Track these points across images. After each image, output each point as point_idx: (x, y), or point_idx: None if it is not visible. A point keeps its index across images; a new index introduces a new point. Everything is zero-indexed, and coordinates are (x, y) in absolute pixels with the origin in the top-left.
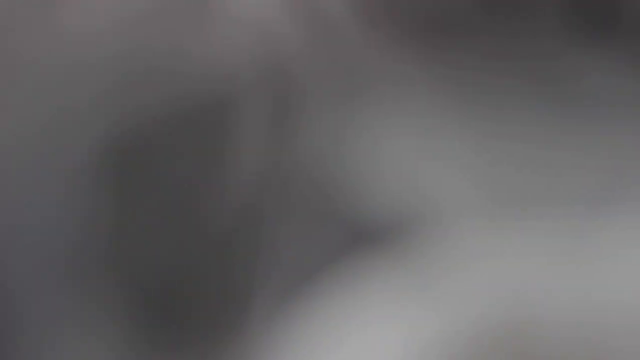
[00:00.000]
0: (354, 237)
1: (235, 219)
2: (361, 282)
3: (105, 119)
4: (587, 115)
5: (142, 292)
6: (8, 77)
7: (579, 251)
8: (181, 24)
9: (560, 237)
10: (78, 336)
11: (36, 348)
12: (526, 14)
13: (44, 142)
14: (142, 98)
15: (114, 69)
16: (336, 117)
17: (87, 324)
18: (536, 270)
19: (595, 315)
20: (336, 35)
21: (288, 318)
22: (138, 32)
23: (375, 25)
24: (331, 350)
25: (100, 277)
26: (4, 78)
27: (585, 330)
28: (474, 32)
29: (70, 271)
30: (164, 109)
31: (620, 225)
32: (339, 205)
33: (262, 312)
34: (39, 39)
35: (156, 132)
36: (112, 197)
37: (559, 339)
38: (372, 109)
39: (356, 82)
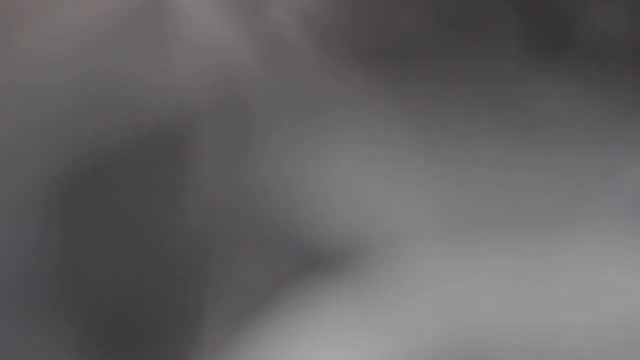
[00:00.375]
0: (306, 263)
1: (188, 246)
2: (313, 308)
3: (59, 146)
4: (542, 139)
5: (93, 321)
6: None
7: (534, 273)
8: (139, 52)
9: (516, 259)
10: None
11: None
12: (483, 39)
13: None
14: (97, 125)
15: (70, 95)
16: (290, 144)
17: (36, 356)
18: (490, 293)
19: (550, 338)
20: (293, 61)
21: (239, 344)
22: (95, 58)
23: (332, 51)
24: None
25: (49, 308)
26: None
27: (540, 354)
28: (431, 57)
29: (18, 302)
30: (119, 137)
31: (575, 246)
32: (292, 231)
33: (213, 338)
34: None
35: (111, 159)
36: (63, 226)
37: None
38: (326, 134)
39: (311, 108)
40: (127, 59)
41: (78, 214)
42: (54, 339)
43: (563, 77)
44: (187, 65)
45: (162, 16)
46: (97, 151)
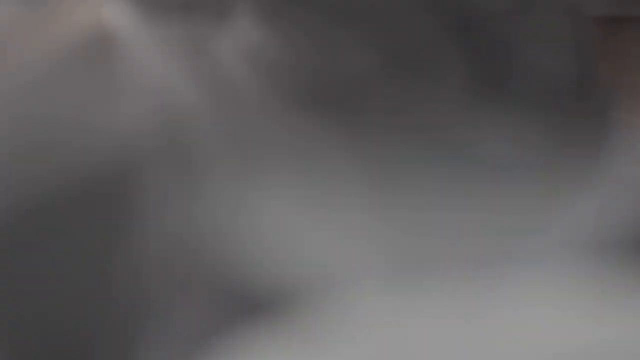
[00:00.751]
0: (245, 306)
1: (127, 289)
2: (251, 351)
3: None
4: (480, 178)
5: None
6: None
7: (471, 312)
8: (82, 93)
9: (453, 298)
10: None
11: None
12: (426, 79)
13: None
14: (38, 168)
15: (10, 138)
16: (233, 186)
17: None
18: (429, 332)
19: None
20: (238, 102)
21: None
22: (37, 100)
23: (277, 91)
24: None
25: None
26: None
27: None
28: (374, 96)
29: None
30: (61, 179)
31: (511, 285)
32: (231, 274)
33: None
34: None
35: (52, 202)
36: (1, 268)
37: None
38: (269, 176)
39: (256, 150)
40: (71, 100)
41: (18, 255)
42: None
43: (501, 116)
44: (132, 106)
45: (106, 57)
46: (38, 194)
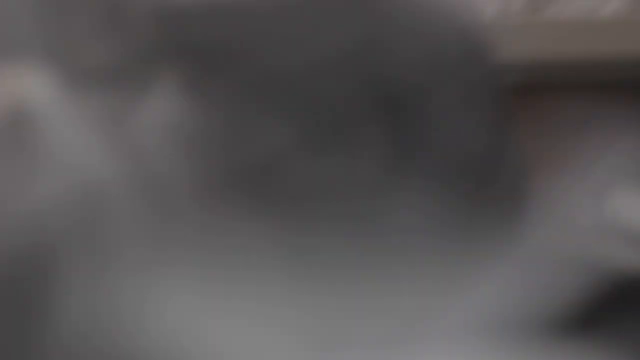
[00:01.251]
0: None
1: None
2: None
3: None
4: (394, 259)
5: None
6: None
7: None
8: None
9: None
10: None
11: None
12: (344, 154)
13: None
14: None
15: None
16: (144, 276)
17: None
18: None
19: None
20: (157, 178)
21: None
22: None
23: (197, 166)
24: None
25: None
26: None
27: None
28: (293, 171)
29: None
30: None
31: None
32: None
33: None
34: None
35: None
36: None
37: None
38: (181, 266)
39: (169, 237)
40: None
41: None
42: None
43: (417, 190)
44: (48, 184)
45: (21, 133)
46: None
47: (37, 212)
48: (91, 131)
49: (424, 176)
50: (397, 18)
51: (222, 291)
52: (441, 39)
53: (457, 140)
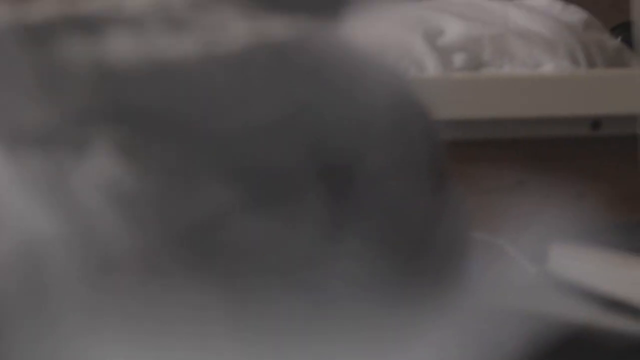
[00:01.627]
0: None
1: None
2: None
3: None
4: (330, 323)
5: None
6: None
7: None
8: None
9: None
10: None
11: None
12: (281, 220)
13: None
14: None
15: None
16: (82, 341)
17: None
18: None
19: None
20: (96, 241)
21: None
22: None
23: (138, 223)
24: None
25: None
26: None
27: None
28: (232, 237)
29: None
30: None
31: None
32: None
33: None
34: None
35: None
36: None
37: None
38: (119, 332)
39: (108, 300)
40: None
41: None
42: None
43: (352, 256)
44: None
45: None
46: None
47: None
48: (30, 192)
49: (359, 242)
50: (330, 82)
51: (161, 356)
52: (374, 103)
53: (391, 205)
